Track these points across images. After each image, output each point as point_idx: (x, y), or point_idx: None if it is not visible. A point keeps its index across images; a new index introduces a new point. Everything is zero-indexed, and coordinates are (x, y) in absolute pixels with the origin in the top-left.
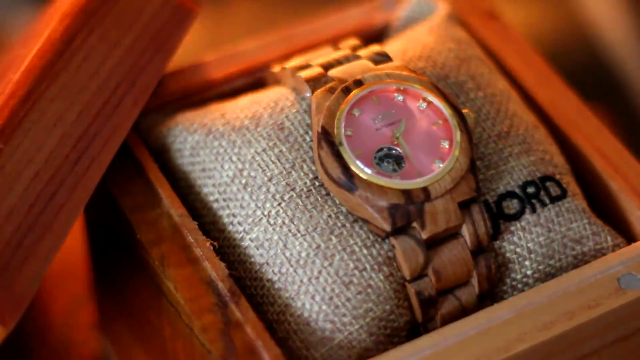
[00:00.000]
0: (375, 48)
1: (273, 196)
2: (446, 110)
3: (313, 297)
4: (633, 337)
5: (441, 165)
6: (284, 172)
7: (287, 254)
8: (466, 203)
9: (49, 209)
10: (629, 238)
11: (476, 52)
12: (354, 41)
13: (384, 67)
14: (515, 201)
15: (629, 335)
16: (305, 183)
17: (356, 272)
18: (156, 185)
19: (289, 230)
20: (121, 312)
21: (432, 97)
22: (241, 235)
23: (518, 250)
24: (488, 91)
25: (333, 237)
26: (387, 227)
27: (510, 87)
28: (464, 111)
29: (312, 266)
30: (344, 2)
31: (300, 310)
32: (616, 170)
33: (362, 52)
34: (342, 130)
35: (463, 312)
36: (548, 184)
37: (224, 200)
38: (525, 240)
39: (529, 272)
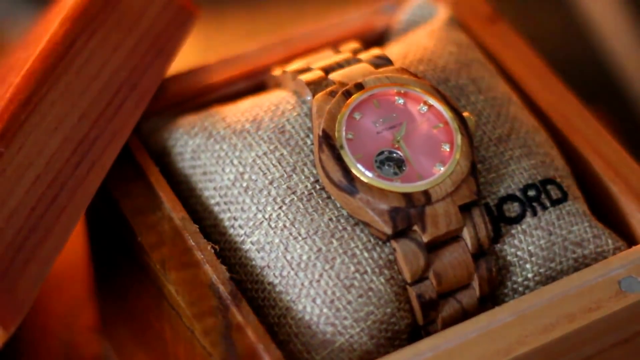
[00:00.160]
0: (375, 51)
1: (274, 199)
2: (447, 114)
3: (314, 300)
4: (634, 339)
5: (442, 169)
6: (285, 176)
7: (288, 257)
8: (467, 206)
9: (50, 213)
10: (630, 241)
11: (477, 55)
12: (354, 44)
13: (385, 71)
14: (516, 204)
15: (629, 337)
16: (306, 186)
17: (357, 275)
18: (157, 188)
19: (290, 234)
20: (122, 315)
21: (432, 101)
22: (242, 238)
23: (519, 253)
24: (489, 94)
25: (334, 241)
26: (388, 230)
27: (510, 91)
28: (465, 114)
29: (313, 269)
30: (344, 5)
31: (301, 313)
32: (617, 173)
33: (363, 56)
34: (343, 133)
35: (464, 315)
36: (549, 187)
37: (225, 203)
38: (526, 243)
39: (529, 275)
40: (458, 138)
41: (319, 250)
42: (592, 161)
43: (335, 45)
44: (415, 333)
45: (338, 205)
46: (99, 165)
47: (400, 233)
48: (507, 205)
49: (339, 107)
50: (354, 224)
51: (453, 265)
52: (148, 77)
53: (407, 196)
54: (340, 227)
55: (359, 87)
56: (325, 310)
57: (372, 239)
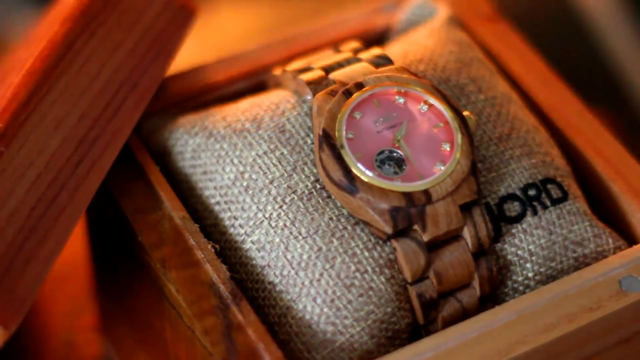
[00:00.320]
0: (376, 51)
1: (274, 199)
2: (447, 113)
3: (314, 300)
4: (634, 339)
5: (442, 168)
6: (285, 175)
7: (289, 257)
8: (467, 205)
9: (51, 212)
10: (630, 240)
11: (477, 54)
12: (355, 44)
13: (385, 70)
14: (516, 203)
15: (630, 337)
16: (307, 186)
17: (357, 274)
18: (157, 188)
19: (290, 233)
20: (123, 314)
21: (433, 100)
22: (242, 237)
23: (519, 252)
24: (489, 94)
25: (334, 240)
26: (388, 229)
27: (511, 90)
28: (465, 114)
29: (314, 269)
30: (345, 5)
31: (302, 312)
32: (617, 172)
33: (363, 55)
34: (344, 133)
35: (464, 314)
36: (549, 186)
37: (225, 202)
38: (527, 243)
39: (530, 275)
40: (458, 137)
41: (320, 249)
42: (592, 160)
43: (335, 44)
44: (415, 332)
45: (338, 204)
46: (99, 164)
47: (401, 232)
48: (507, 204)
49: (339, 106)
50: (354, 223)
51: (453, 264)
52: (148, 77)
53: (408, 195)
54: (340, 227)
55: (360, 86)
56: (325, 309)
57: (372, 238)
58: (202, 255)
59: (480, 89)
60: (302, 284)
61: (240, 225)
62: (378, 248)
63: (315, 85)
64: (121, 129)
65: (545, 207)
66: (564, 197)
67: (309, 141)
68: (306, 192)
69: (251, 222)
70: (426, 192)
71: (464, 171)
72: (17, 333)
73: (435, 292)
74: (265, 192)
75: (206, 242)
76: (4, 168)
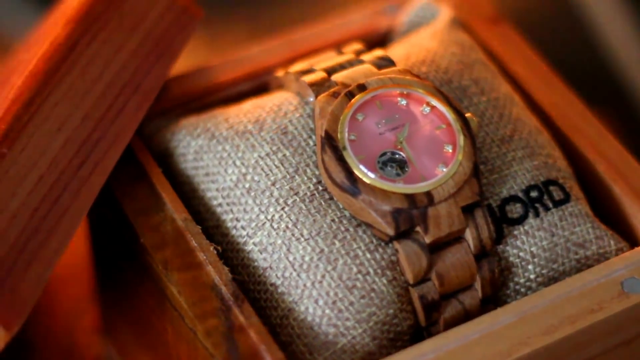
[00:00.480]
0: (378, 53)
1: (277, 200)
2: (449, 115)
3: (316, 301)
4: (636, 341)
5: (444, 170)
6: (288, 177)
7: (291, 258)
8: (469, 207)
9: (53, 213)
10: (632, 242)
11: (479, 56)
12: (357, 46)
13: (388, 72)
14: (518, 205)
15: (632, 339)
16: (309, 187)
17: (359, 276)
18: (160, 189)
19: (293, 235)
20: (124, 316)
21: (435, 102)
22: (244, 239)
23: (521, 254)
24: (491, 95)
25: (336, 242)
26: (390, 231)
27: (513, 91)
28: (467, 115)
29: (316, 270)
30: (347, 6)
31: (304, 314)
32: (619, 174)
33: (366, 57)
34: (346, 134)
35: (466, 316)
36: (551, 188)
37: (228, 204)
38: (529, 245)
39: (532, 276)
40: (461, 139)
41: (322, 251)
42: (594, 162)
43: (338, 46)
44: (417, 334)
45: (340, 206)
46: (101, 166)
47: (403, 234)
48: (509, 206)
49: (341, 108)
50: (356, 225)
51: (455, 266)
52: (151, 78)
53: (410, 197)
54: (342, 228)
55: (362, 88)
56: (327, 311)
57: (374, 240)
58: (204, 257)
59: (483, 90)
60: (304, 285)
61: (243, 227)
62: (380, 250)
63: (318, 87)
64: (124, 131)
65: (547, 208)
66: (566, 199)
67: (312, 143)
68: (308, 193)
69: (253, 224)
70: (428, 194)
71: (466, 173)
72: (19, 334)
73: (437, 294)
74: (268, 193)
75: (208, 243)
76: (7, 170)
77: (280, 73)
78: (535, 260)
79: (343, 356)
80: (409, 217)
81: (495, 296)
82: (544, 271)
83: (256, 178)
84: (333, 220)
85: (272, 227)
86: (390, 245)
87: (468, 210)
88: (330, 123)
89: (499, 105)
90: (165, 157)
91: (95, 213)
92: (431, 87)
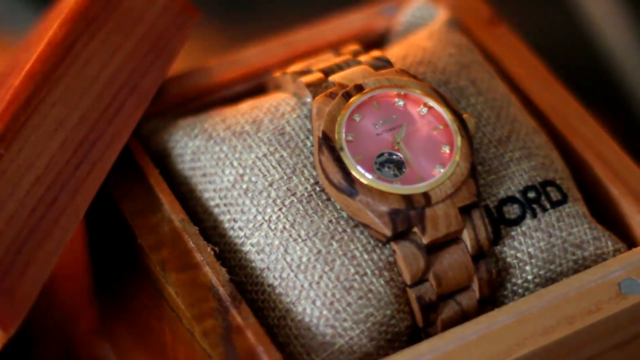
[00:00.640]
0: (375, 53)
1: (274, 201)
2: (447, 116)
3: (314, 302)
4: (634, 341)
5: (442, 170)
6: (285, 177)
7: (288, 259)
8: (467, 208)
9: (50, 214)
10: (630, 243)
11: (476, 57)
12: (354, 46)
13: (385, 73)
14: (516, 206)
15: (629, 340)
16: (306, 188)
17: (357, 277)
18: (157, 190)
19: (290, 235)
20: (122, 317)
21: (432, 102)
22: (242, 240)
23: (519, 255)
24: (488, 96)
25: (334, 242)
26: (387, 232)
27: (510, 92)
28: (465, 116)
29: (313, 271)
30: (344, 7)
31: (301, 315)
32: (616, 175)
33: (363, 58)
34: (343, 135)
35: (464, 317)
36: (549, 188)
37: (225, 205)
38: (526, 245)
39: (529, 277)
40: (458, 140)
41: (319, 252)
42: (592, 163)
43: (335, 47)
44: (415, 335)
45: (338, 207)
46: (99, 166)
47: (400, 235)
48: (507, 207)
49: (338, 108)
50: (353, 225)
51: (453, 267)
52: (148, 79)
53: (407, 198)
54: (340, 229)
55: (359, 88)
56: (325, 312)
57: (372, 241)
58: (202, 258)
59: (480, 91)
60: (302, 286)
61: (240, 228)
62: (377, 250)
63: (315, 88)
64: (121, 131)
65: (544, 209)
66: (564, 200)
67: (309, 143)
68: (306, 194)
69: (250, 225)
70: (426, 195)
71: (464, 174)
72: (16, 335)
73: (434, 295)
74: (265, 194)
75: (205, 244)
76: (4, 170)
77: (277, 74)
78: (533, 261)
79: (340, 357)
80: (407, 217)
81: (493, 297)
82: (541, 272)
83: (253, 179)
84: (330, 221)
85: (270, 227)
86: (387, 246)
87: (465, 211)
88: (327, 124)
89: (496, 106)
90: (163, 157)
91: (92, 214)
92: (428, 88)
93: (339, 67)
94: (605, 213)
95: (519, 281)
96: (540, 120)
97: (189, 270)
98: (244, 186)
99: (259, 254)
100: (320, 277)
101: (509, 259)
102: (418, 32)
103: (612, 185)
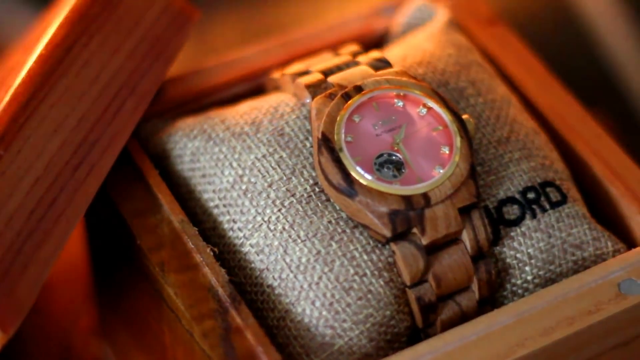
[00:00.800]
0: (375, 54)
1: (273, 202)
2: (446, 116)
3: (313, 303)
4: (633, 342)
5: (441, 171)
6: (284, 178)
7: (288, 260)
8: (466, 209)
9: (49, 215)
10: (629, 243)
11: (476, 57)
12: (353, 47)
13: (384, 73)
14: (515, 207)
15: (629, 340)
16: (306, 189)
17: (356, 277)
18: (156, 191)
19: (289, 236)
20: (121, 318)
21: (432, 103)
22: (241, 241)
23: (518, 255)
24: (488, 97)
25: (333, 243)
26: (387, 232)
27: (510, 93)
28: (464, 117)
29: (313, 272)
30: (343, 8)
31: (301, 316)
32: (616, 175)
33: (362, 58)
34: (342, 136)
35: (463, 317)
36: (548, 189)
37: (224, 206)
38: (526, 246)
39: (529, 278)
40: (457, 140)
41: (318, 252)
42: (591, 163)
43: (334, 47)
44: (414, 336)
45: (337, 207)
46: (98, 168)
47: (400, 236)
48: (506, 207)
49: (338, 109)
50: (353, 226)
51: (452, 267)
52: (147, 80)
53: (407, 199)
54: (339, 230)
55: (358, 89)
56: (324, 312)
57: (371, 242)
58: (201, 259)
59: (479, 92)
60: (301, 287)
61: (239, 229)
62: (377, 251)
63: (314, 89)
64: (120, 132)
65: (544, 210)
66: (563, 200)
67: (308, 144)
68: (305, 195)
69: (250, 226)
70: (425, 196)
71: (463, 174)
72: (16, 336)
73: (434, 296)
74: (264, 195)
75: (205, 245)
76: (3, 171)
77: (276, 74)
78: (532, 261)
79: (340, 357)
80: (406, 218)
81: (492, 298)
82: (541, 272)
83: (253, 180)
84: (330, 222)
85: (269, 228)
86: (387, 246)
87: (465, 212)
88: (326, 124)
89: (495, 107)
90: (162, 158)
91: (91, 215)
92: (428, 89)
93: (338, 68)
94: (605, 213)
95: (519, 282)
96: (540, 120)
97: (188, 271)
98: (244, 187)
99: (258, 255)
100: (320, 277)
101: (508, 260)
102: (417, 33)
103: (612, 186)
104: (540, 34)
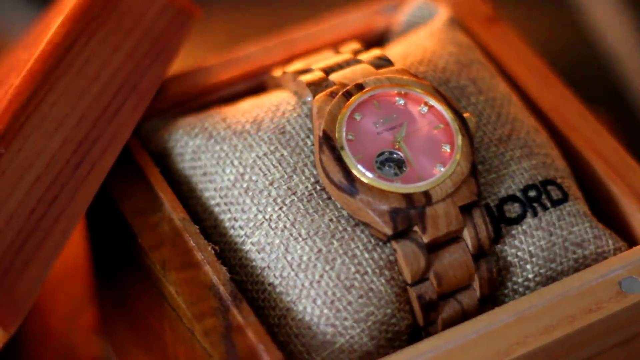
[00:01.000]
0: (376, 52)
1: (274, 200)
2: (447, 114)
3: (314, 301)
4: (634, 340)
5: (442, 169)
6: (285, 176)
7: (289, 258)
8: (467, 207)
9: (50, 214)
10: (630, 241)
11: (477, 56)
12: (355, 45)
13: (385, 71)
14: (516, 205)
15: (630, 338)
16: (307, 187)
17: (357, 276)
18: (157, 189)
19: (291, 234)
20: (122, 316)
21: (433, 101)
22: (242, 239)
23: (519, 253)
24: (489, 95)
25: (334, 241)
26: (388, 231)
27: (511, 91)
28: (465, 115)
29: (314, 270)
30: (345, 6)
31: (302, 314)
32: (617, 173)
33: (363, 56)
34: (344, 134)
35: (464, 315)
36: (549, 187)
37: (225, 204)
38: (527, 244)
39: (530, 276)
40: (458, 139)
41: (320, 251)
42: (592, 162)
43: (335, 46)
44: (415, 334)
45: (338, 206)
46: (99, 166)
47: (401, 234)
48: (507, 205)
49: (339, 107)
50: (354, 224)
51: (453, 266)
52: (148, 78)
53: (408, 197)
54: (340, 228)
55: (360, 87)
56: (325, 311)
57: (372, 240)
58: (202, 257)
59: (480, 90)
60: (302, 285)
61: (240, 227)
62: (378, 249)
63: (315, 87)
64: (121, 131)
65: (545, 208)
66: (564, 199)
67: (309, 142)
68: (306, 193)
69: (251, 224)
70: (426, 194)
71: (464, 173)
72: (17, 334)
73: (435, 294)
74: (266, 193)
75: (206, 243)
76: (4, 170)
77: (277, 73)
78: (534, 259)
79: (341, 356)
80: (407, 216)
81: (494, 296)
82: (542, 271)
83: (254, 178)
84: (331, 220)
85: (270, 226)
86: (388, 244)
87: (466, 210)
88: (327, 123)
89: (496, 105)
90: (163, 157)
91: (92, 213)
92: (429, 87)
93: (339, 66)
94: (606, 211)
95: (520, 280)
96: (541, 118)
97: (189, 269)
98: (245, 185)
99: (259, 253)
100: (321, 276)
101: (509, 258)
102: (418, 31)
103: (613, 184)
104: (540, 32)
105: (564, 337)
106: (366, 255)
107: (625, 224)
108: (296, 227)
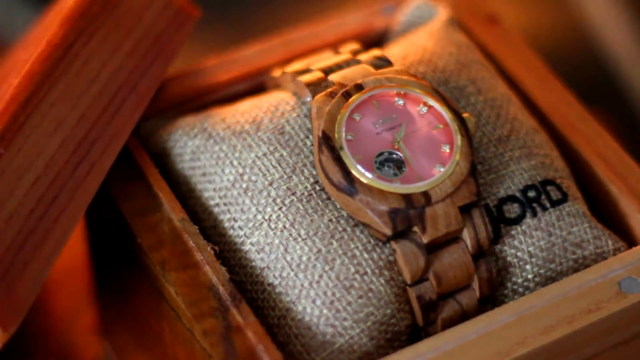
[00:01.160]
0: (375, 52)
1: (274, 200)
2: (447, 115)
3: (314, 301)
4: (634, 340)
5: (442, 170)
6: (285, 177)
7: (288, 258)
8: (467, 207)
9: (50, 214)
10: (630, 242)
11: (477, 56)
12: (354, 45)
13: (385, 72)
14: (516, 205)
15: (629, 339)
16: (306, 187)
17: (357, 276)
18: (157, 189)
19: (290, 235)
20: (122, 316)
21: (432, 102)
22: (242, 239)
23: (519, 254)
24: (488, 95)
25: (334, 241)
26: (387, 231)
27: (510, 91)
28: (465, 115)
29: (313, 270)
30: (344, 6)
31: (301, 314)
32: (617, 174)
33: (363, 57)
34: (343, 134)
35: (464, 316)
36: (549, 188)
37: (225, 204)
38: (526, 244)
39: (529, 276)
40: (458, 139)
41: (319, 251)
42: (592, 162)
43: (334, 46)
44: (415, 334)
45: (338, 206)
46: (98, 166)
47: (400, 234)
48: (507, 206)
49: (338, 108)
50: (353, 225)
51: (453, 266)
52: (147, 78)
53: (407, 197)
54: (340, 228)
55: (359, 88)
56: (325, 311)
57: (372, 240)
58: (202, 257)
59: (480, 90)
60: (302, 285)
61: (240, 227)
62: (377, 250)
63: (315, 87)
64: (120, 131)
65: (544, 208)
66: (564, 199)
67: (309, 143)
68: (305, 193)
69: (250, 224)
70: (425, 194)
71: (463, 173)
72: (16, 335)
73: (434, 294)
74: (265, 193)
75: (205, 243)
76: (3, 170)
77: (277, 73)
78: (533, 260)
79: (340, 356)
80: (406, 217)
81: (493, 296)
82: (541, 271)
83: (253, 178)
84: (330, 220)
85: (270, 227)
86: (387, 245)
87: (465, 210)
88: (327, 123)
89: (496, 105)
90: (162, 157)
91: (92, 213)
92: (428, 87)
93: (338, 67)
94: (605, 212)
95: (519, 280)
96: (540, 119)
97: (188, 270)
98: (244, 185)
99: (258, 253)
100: (321, 276)
101: (509, 258)
102: (418, 31)
103: (612, 184)
104: (540, 33)
105: (564, 338)
106: (366, 255)
107: (625, 224)
108: (295, 227)
